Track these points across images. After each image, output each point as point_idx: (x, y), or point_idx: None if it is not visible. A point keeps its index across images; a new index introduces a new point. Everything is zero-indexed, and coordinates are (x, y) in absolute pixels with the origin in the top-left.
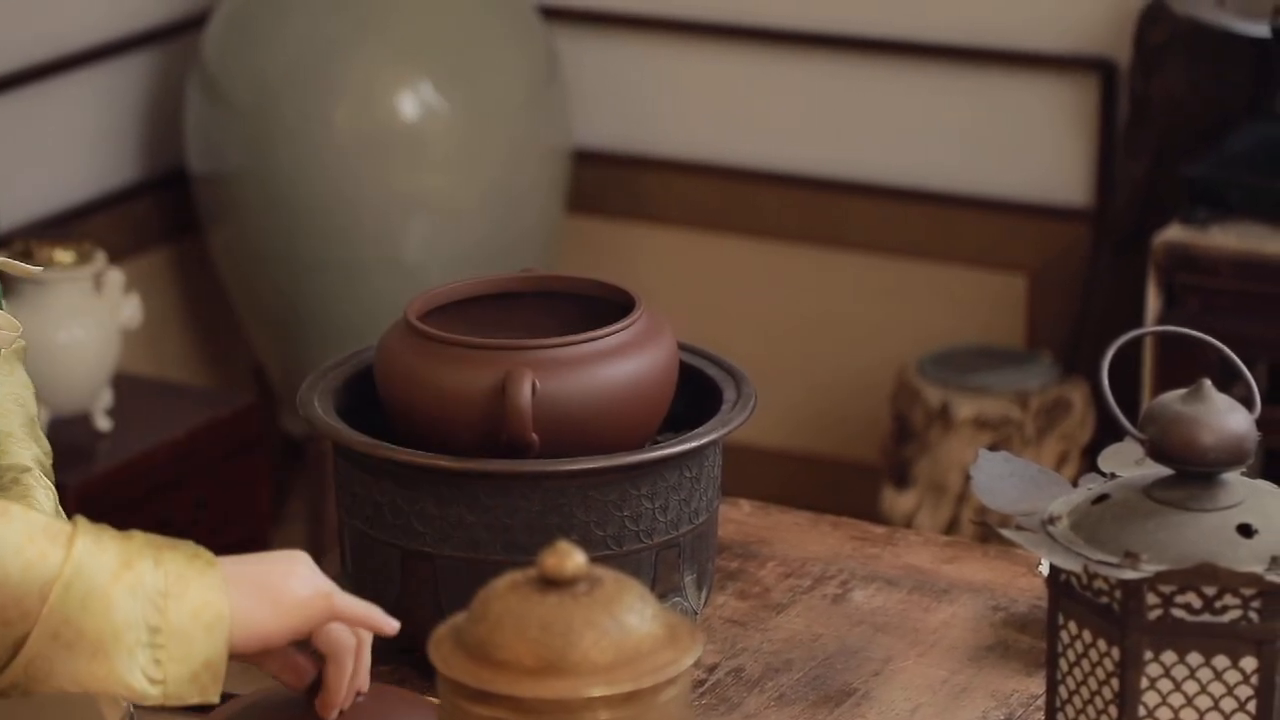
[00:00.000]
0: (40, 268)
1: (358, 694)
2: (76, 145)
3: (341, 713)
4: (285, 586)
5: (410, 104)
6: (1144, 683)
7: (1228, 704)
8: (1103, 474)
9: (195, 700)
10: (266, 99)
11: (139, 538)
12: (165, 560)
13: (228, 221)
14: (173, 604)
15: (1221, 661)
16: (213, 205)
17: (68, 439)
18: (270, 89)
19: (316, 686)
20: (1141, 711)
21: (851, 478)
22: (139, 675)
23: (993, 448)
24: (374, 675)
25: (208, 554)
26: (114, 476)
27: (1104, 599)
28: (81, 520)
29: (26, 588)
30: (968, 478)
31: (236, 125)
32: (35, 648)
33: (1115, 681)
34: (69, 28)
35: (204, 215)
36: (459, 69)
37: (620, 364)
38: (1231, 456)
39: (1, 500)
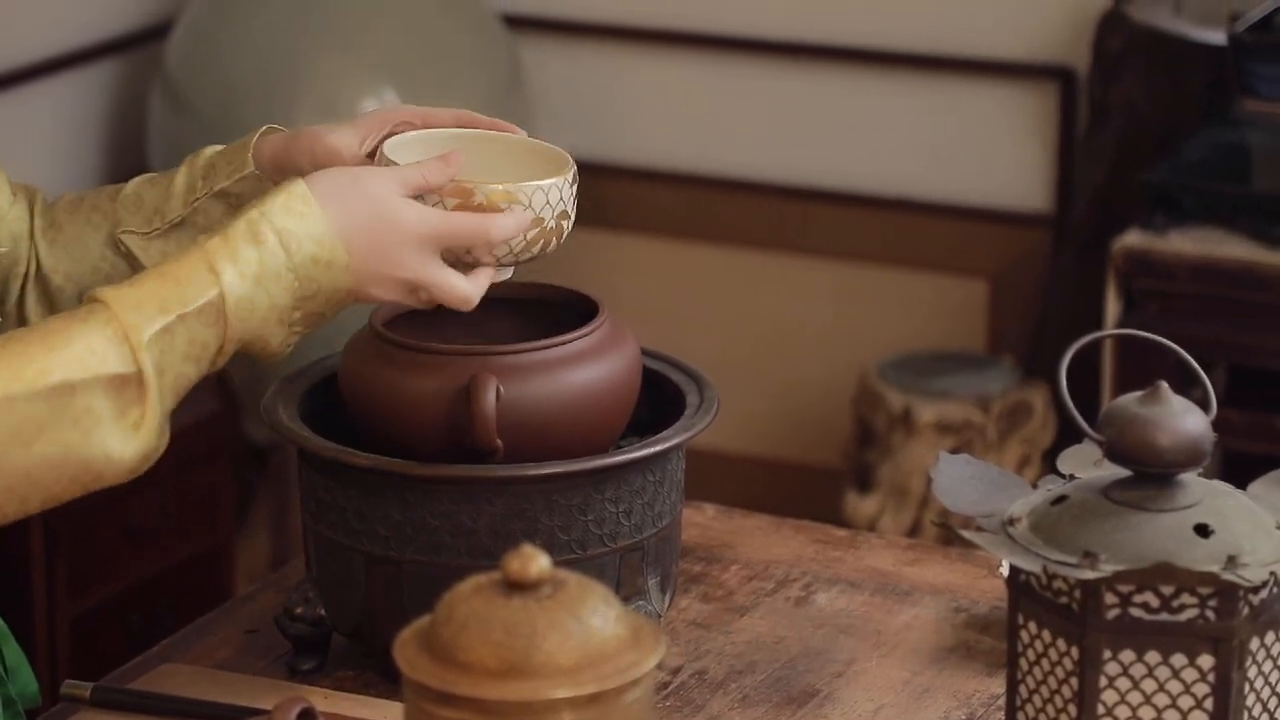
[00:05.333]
0: None
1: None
2: (40, 154)
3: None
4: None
5: None
6: (1102, 681)
7: (1185, 702)
8: (1062, 475)
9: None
10: (230, 107)
11: (234, 230)
12: (269, 240)
13: None
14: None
15: (1179, 660)
16: None
17: None
18: (233, 97)
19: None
20: (1100, 710)
21: (814, 482)
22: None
23: (954, 451)
24: (338, 681)
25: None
26: None
27: (1063, 599)
28: (210, 245)
29: (202, 318)
30: (929, 481)
31: (200, 133)
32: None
33: (1074, 680)
34: (32, 37)
35: None
36: (422, 77)
37: (584, 369)
38: (1188, 458)
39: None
